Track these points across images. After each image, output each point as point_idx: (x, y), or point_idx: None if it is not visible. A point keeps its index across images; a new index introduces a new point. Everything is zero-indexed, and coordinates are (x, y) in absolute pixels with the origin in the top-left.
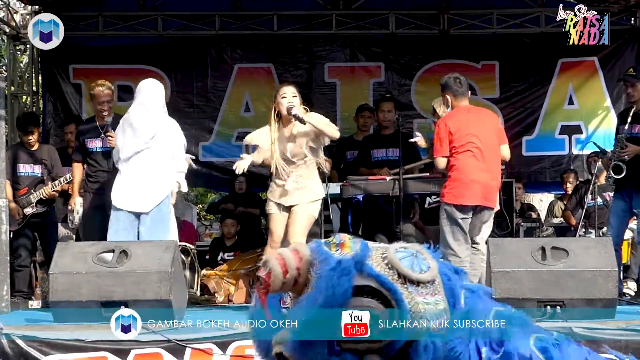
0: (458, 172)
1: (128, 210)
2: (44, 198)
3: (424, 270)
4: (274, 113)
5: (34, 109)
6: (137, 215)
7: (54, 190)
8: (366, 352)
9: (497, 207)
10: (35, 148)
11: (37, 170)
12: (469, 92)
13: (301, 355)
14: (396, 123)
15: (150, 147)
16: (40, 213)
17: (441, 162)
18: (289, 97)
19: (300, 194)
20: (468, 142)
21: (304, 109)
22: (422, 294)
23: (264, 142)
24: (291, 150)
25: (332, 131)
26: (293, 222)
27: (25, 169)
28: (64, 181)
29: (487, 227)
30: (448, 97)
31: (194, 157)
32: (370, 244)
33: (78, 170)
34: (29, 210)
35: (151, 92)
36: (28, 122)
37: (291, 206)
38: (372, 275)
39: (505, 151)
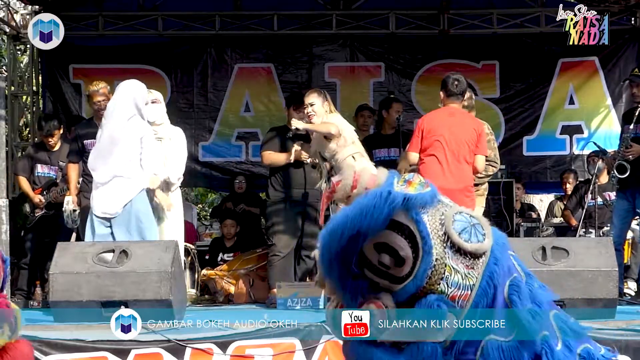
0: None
1: (96, 215)
2: (53, 202)
3: (472, 240)
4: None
5: (34, 109)
6: (108, 219)
7: (61, 195)
8: (382, 289)
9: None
10: (55, 149)
11: (52, 172)
12: (466, 96)
13: (326, 272)
14: (396, 123)
15: (112, 150)
16: (53, 214)
17: (411, 157)
18: (308, 108)
19: None
20: (435, 143)
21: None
22: (457, 260)
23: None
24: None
25: (324, 128)
26: None
27: (43, 169)
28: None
29: None
30: (442, 94)
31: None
32: (443, 198)
33: (74, 171)
34: (39, 212)
35: (118, 94)
36: (49, 124)
37: None
38: (414, 219)
39: (478, 162)
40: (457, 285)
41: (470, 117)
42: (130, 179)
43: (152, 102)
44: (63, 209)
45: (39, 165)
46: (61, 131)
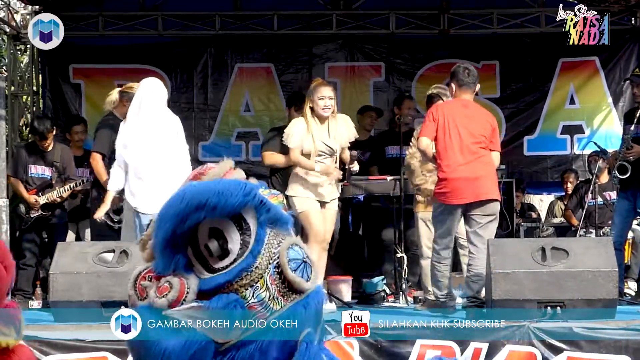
0: (444, 172)
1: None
2: (49, 203)
3: (296, 272)
4: (309, 108)
5: (34, 109)
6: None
7: (58, 197)
8: (194, 271)
9: (499, 197)
10: (48, 150)
11: (47, 172)
12: (477, 87)
13: (156, 230)
14: (399, 121)
15: (152, 148)
16: (50, 214)
17: (422, 141)
18: (326, 100)
19: (332, 189)
20: (450, 132)
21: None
22: (273, 282)
23: (302, 136)
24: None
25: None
26: (330, 217)
27: (37, 170)
28: (70, 188)
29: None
30: (453, 85)
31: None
32: (293, 233)
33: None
34: (34, 213)
35: (144, 91)
36: (42, 126)
37: (326, 202)
38: (259, 221)
39: (494, 158)
40: (261, 300)
41: (484, 111)
42: (174, 175)
43: None
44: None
45: (32, 166)
46: (54, 132)
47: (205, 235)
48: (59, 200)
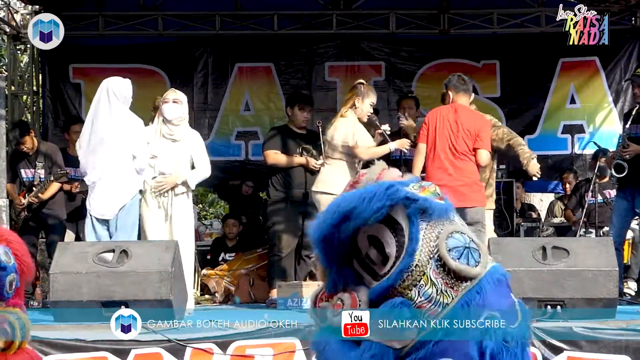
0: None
1: (95, 217)
2: (31, 203)
3: (460, 261)
4: (351, 105)
5: (34, 109)
6: (105, 220)
7: (35, 197)
8: (363, 283)
9: (483, 204)
10: (31, 152)
11: (31, 174)
12: (472, 94)
13: (316, 249)
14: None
15: (106, 150)
16: (45, 213)
17: (419, 147)
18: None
19: None
20: (438, 139)
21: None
22: (438, 275)
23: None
24: None
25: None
26: None
27: (27, 174)
28: (45, 186)
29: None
30: (450, 93)
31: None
32: (456, 217)
33: None
34: (23, 215)
35: (103, 91)
36: (12, 135)
37: None
38: (410, 219)
39: (481, 156)
40: (428, 297)
41: (473, 113)
42: (125, 179)
43: (174, 102)
44: None
45: (22, 171)
46: (31, 135)
47: (366, 245)
48: (36, 200)
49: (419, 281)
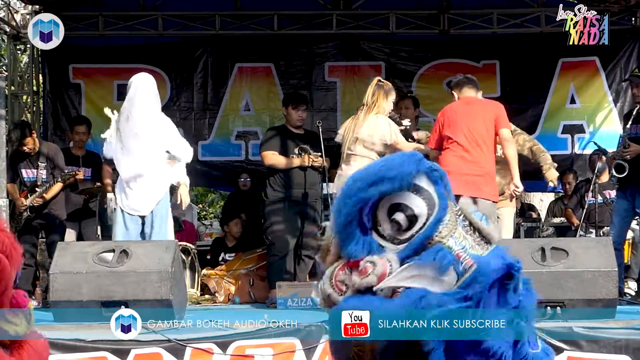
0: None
1: (129, 213)
2: (34, 205)
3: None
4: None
5: (34, 109)
6: (141, 217)
7: (39, 197)
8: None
9: (496, 199)
10: (33, 153)
11: (32, 175)
12: (478, 88)
13: (339, 218)
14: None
15: (140, 146)
16: (45, 213)
17: (430, 153)
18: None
19: None
20: (455, 132)
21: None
22: (468, 232)
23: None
24: None
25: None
26: None
27: (28, 174)
28: (48, 188)
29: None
30: (455, 93)
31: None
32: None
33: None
34: (24, 215)
35: (138, 87)
36: (14, 135)
37: None
38: (435, 182)
39: (504, 135)
40: (463, 248)
41: (484, 101)
42: (160, 175)
43: None
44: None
45: (24, 171)
46: (32, 135)
47: (385, 214)
48: (40, 200)
49: (454, 233)
